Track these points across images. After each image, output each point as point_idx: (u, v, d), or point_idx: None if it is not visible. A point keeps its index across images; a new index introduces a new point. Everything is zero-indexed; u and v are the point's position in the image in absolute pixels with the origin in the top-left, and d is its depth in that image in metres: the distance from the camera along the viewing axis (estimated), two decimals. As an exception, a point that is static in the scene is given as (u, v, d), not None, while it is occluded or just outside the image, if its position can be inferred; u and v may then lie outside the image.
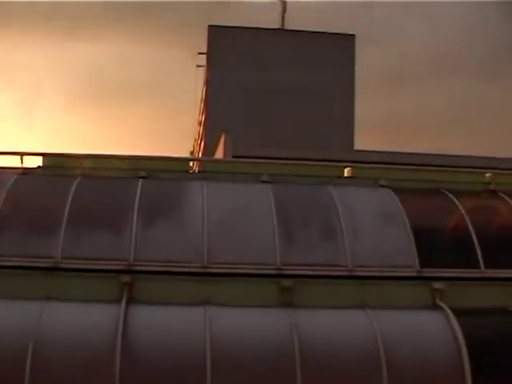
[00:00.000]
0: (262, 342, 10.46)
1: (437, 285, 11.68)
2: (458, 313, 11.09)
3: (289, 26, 37.62)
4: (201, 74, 40.40)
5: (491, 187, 13.04)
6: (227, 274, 11.24)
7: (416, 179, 12.91)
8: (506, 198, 12.75)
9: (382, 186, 13.46)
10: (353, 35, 35.21)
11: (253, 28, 34.83)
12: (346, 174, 13.83)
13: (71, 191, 12.10)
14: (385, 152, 14.43)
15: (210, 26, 34.63)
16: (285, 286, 11.23)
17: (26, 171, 12.67)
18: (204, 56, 35.85)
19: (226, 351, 10.15)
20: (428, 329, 11.21)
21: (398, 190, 13.28)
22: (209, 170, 13.63)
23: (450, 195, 12.60)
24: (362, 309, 11.20)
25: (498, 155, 17.00)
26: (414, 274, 11.90)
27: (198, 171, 13.14)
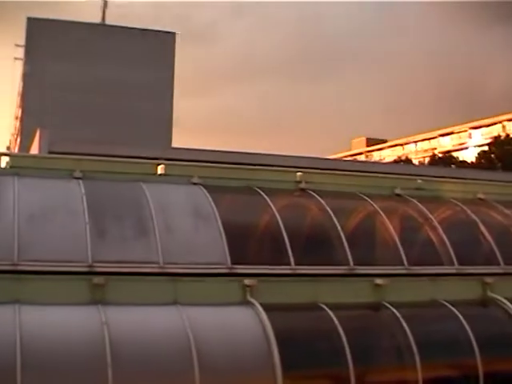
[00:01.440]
0: (73, 340, 11.25)
1: (248, 281, 12.79)
2: (268, 308, 12.45)
3: (112, 21, 37.56)
4: (18, 67, 39.12)
5: (302, 186, 14.05)
6: (38, 272, 11.83)
7: (228, 177, 13.59)
8: (316, 196, 13.95)
9: (195, 183, 14.92)
10: (174, 33, 35.72)
11: (73, 22, 34.48)
12: (159, 172, 15.13)
13: None
14: (199, 150, 15.05)
15: (28, 18, 33.52)
16: (96, 283, 12.03)
17: None
18: (22, 48, 34.66)
19: (36, 350, 10.85)
20: (239, 325, 12.50)
21: (210, 188, 14.69)
22: (21, 166, 14.25)
23: (262, 193, 13.53)
24: (174, 305, 12.19)
25: (308, 154, 18.25)
26: (226, 271, 13.03)
27: (11, 167, 12.82)
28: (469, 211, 17.07)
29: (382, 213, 15.65)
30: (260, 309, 12.27)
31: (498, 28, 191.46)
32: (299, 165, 16.22)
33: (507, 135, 79.44)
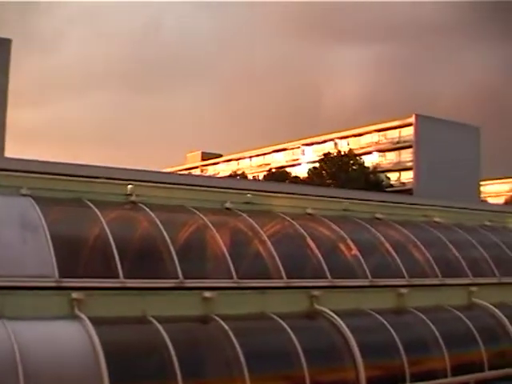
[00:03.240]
0: None
1: (75, 295, 13.11)
2: (96, 322, 12.80)
3: None
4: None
5: (132, 198, 14.58)
6: None
7: (59, 189, 13.84)
8: (146, 209, 14.49)
9: (24, 194, 14.95)
10: (9, 39, 34.91)
11: None
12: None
13: None
14: (29, 160, 15.04)
15: None
16: None
17: None
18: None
19: None
20: (66, 338, 12.74)
21: (39, 199, 14.76)
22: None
23: (92, 205, 13.90)
24: (0, 320, 12.21)
25: (142, 167, 18.68)
26: (53, 284, 13.20)
27: None
28: (297, 225, 18.11)
29: (211, 226, 16.32)
30: (88, 322, 12.49)
31: (339, 48, 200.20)
32: (132, 177, 16.60)
33: (338, 152, 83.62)
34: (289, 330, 14.77)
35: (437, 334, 17.10)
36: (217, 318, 14.30)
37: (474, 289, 20.00)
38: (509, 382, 17.99)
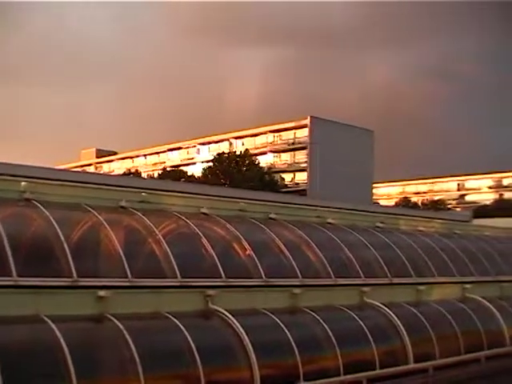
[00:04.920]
0: None
1: None
2: None
3: None
4: None
5: (26, 196, 14.48)
6: None
7: None
8: (40, 206, 14.42)
9: None
10: None
11: None
12: None
13: None
14: None
15: None
16: None
17: None
18: None
19: None
20: None
21: None
22: None
23: (-17, 203, 13.75)
24: None
25: (36, 164, 18.56)
26: None
27: None
28: (192, 225, 18.34)
29: (106, 225, 16.39)
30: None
31: (240, 49, 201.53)
32: (26, 174, 16.50)
33: (233, 152, 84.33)
34: (183, 329, 14.96)
35: (329, 333, 17.59)
36: (111, 318, 14.34)
37: (366, 289, 20.66)
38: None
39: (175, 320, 15.22)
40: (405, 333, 19.59)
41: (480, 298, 24.71)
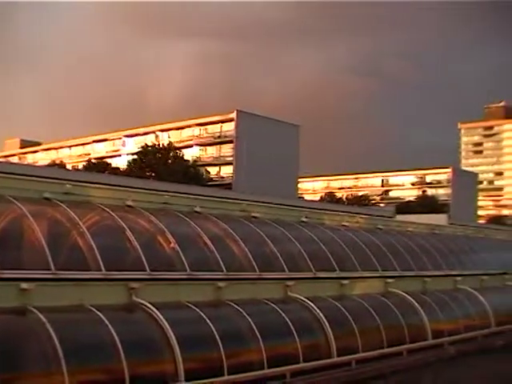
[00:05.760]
0: None
1: None
2: None
3: None
4: None
5: None
6: None
7: None
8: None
9: None
10: None
11: None
12: None
13: None
14: None
15: None
16: None
17: None
18: None
19: None
20: None
21: None
22: None
23: None
24: None
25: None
26: None
27: None
28: (117, 217, 18.38)
29: (30, 216, 16.26)
30: None
31: (169, 42, 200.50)
32: None
33: (159, 144, 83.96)
34: (107, 322, 14.97)
35: (254, 326, 17.83)
36: (34, 310, 14.25)
37: (290, 283, 21.00)
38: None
39: (99, 313, 15.22)
40: (328, 327, 19.95)
41: (402, 293, 25.35)
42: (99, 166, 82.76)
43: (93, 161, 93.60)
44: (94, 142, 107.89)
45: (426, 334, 24.10)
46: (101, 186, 20.66)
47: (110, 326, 14.92)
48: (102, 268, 16.36)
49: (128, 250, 17.82)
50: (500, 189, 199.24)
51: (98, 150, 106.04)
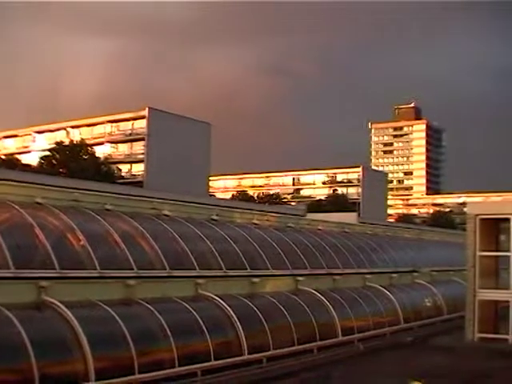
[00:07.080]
0: None
1: None
2: None
3: None
4: None
5: None
6: None
7: None
8: None
9: None
10: None
11: None
12: None
13: None
14: None
15: None
16: None
17: None
18: None
19: None
20: None
21: None
22: None
23: None
24: None
25: None
26: None
27: None
28: (26, 215, 18.12)
29: None
30: None
31: (83, 39, 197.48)
32: None
33: (70, 141, 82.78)
34: (16, 321, 14.81)
35: (164, 324, 17.88)
36: None
37: (200, 281, 21.17)
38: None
39: (7, 312, 15.04)
40: (239, 324, 20.18)
41: (313, 291, 25.81)
42: (9, 163, 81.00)
43: (2, 157, 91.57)
44: (4, 137, 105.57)
45: (336, 331, 24.53)
46: (10, 182, 20.35)
47: (18, 325, 14.75)
48: (11, 266, 16.16)
49: (37, 248, 17.62)
50: (409, 188, 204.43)
51: (7, 146, 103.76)
